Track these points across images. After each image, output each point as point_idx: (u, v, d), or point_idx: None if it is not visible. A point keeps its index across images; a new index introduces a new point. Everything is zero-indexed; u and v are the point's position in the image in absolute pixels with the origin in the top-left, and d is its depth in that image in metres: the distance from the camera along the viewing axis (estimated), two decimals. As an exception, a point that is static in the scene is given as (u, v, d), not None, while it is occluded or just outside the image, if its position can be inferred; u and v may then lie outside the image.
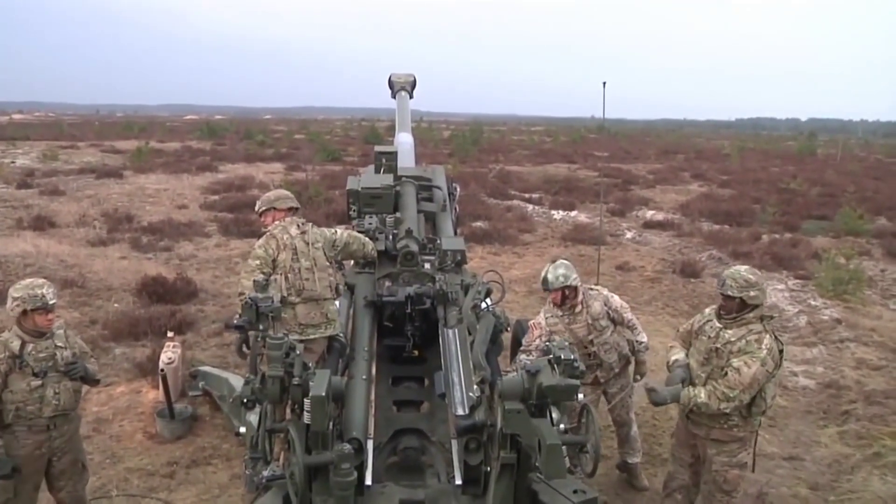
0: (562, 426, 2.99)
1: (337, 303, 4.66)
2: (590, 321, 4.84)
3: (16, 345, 3.79)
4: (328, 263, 4.67)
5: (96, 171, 22.92)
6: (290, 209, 4.87)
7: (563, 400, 2.94)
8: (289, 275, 4.56)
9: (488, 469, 3.18)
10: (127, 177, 21.97)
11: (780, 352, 3.91)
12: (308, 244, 4.65)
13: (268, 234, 4.73)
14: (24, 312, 3.79)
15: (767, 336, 3.87)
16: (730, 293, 3.87)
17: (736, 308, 3.90)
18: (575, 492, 3.06)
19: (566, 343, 3.05)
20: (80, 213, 15.16)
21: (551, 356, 2.94)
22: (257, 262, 4.62)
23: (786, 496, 5.12)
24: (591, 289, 5.05)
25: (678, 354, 4.19)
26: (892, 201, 20.66)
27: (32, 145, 33.49)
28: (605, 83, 7.84)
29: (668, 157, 38.97)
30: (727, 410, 3.85)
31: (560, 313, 4.88)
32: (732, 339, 3.88)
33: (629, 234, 15.26)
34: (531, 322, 5.10)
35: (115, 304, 8.93)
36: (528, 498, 3.08)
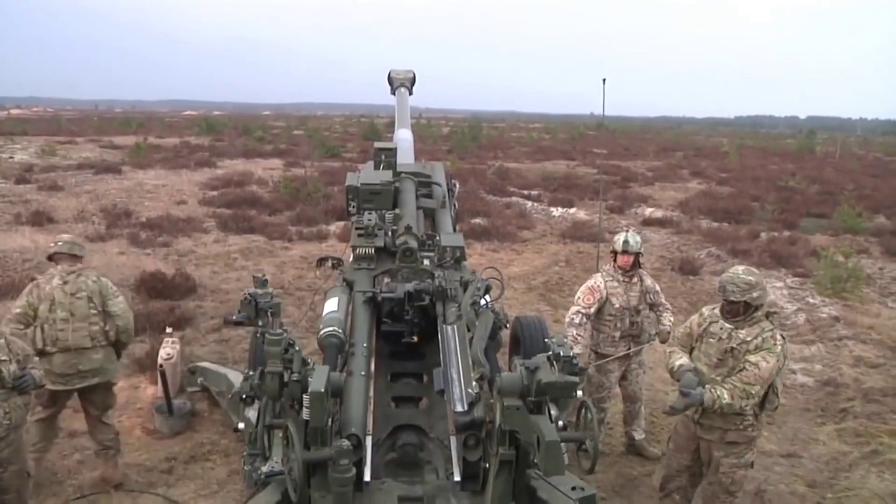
0: (560, 423, 2.99)
1: (101, 353, 4.79)
2: (643, 291, 5.34)
3: None
4: (93, 312, 4.73)
5: (95, 166, 22.90)
6: (57, 255, 4.83)
7: (561, 397, 2.94)
8: (45, 325, 4.59)
9: (487, 465, 3.18)
10: (125, 172, 21.94)
11: (785, 346, 3.93)
12: (67, 294, 4.66)
13: (34, 283, 4.77)
14: None
15: (778, 333, 3.89)
16: (733, 298, 3.85)
17: (742, 311, 3.89)
18: (573, 488, 3.06)
19: (565, 340, 3.05)
20: (79, 209, 15.14)
21: (550, 353, 2.94)
22: (18, 310, 4.64)
23: (784, 493, 5.13)
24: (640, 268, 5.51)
25: (681, 359, 4.09)
26: (890, 199, 20.68)
27: (31, 140, 33.42)
28: (604, 80, 7.82)
29: (666, 154, 38.97)
30: (748, 407, 3.83)
31: (621, 278, 5.31)
32: (748, 339, 3.86)
33: (628, 232, 15.26)
34: (587, 285, 5.39)
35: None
36: (527, 494, 3.08)
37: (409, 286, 4.14)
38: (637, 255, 5.30)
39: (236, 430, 4.23)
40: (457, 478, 3.32)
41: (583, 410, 3.09)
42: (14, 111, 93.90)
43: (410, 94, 7.85)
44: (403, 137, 7.01)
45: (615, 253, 5.34)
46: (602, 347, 5.37)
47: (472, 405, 3.25)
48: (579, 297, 5.32)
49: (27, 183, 18.78)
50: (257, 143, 35.19)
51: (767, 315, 3.97)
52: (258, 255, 11.88)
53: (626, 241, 5.27)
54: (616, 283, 5.29)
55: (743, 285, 3.83)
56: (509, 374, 2.97)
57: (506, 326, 4.30)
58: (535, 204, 18.55)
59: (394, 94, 7.84)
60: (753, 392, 3.77)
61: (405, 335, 4.18)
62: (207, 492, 4.90)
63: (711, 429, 4.03)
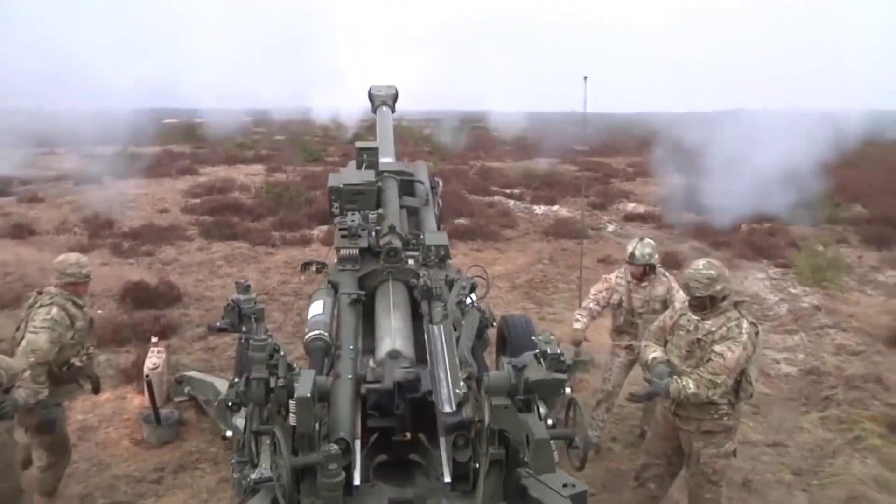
0: (549, 420, 3.01)
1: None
2: (648, 298, 5.36)
3: None
4: (17, 337, 4.38)
5: (75, 176, 22.64)
6: None
7: (549, 395, 2.95)
8: None
9: (477, 465, 3.19)
10: (106, 182, 21.72)
11: (756, 334, 3.99)
12: None
13: None
14: None
15: (745, 321, 3.95)
16: (698, 294, 3.94)
17: (709, 304, 3.96)
18: (564, 485, 3.09)
19: (552, 337, 3.06)
20: (60, 220, 14.97)
21: (537, 351, 2.96)
22: None
23: (770, 482, 5.20)
24: (664, 275, 5.51)
25: (655, 352, 4.19)
26: (867, 189, 20.90)
27: (9, 152, 32.97)
28: (586, 77, 7.87)
29: (647, 150, 39.09)
30: (715, 397, 3.88)
31: (629, 279, 5.39)
32: (713, 329, 3.93)
33: (611, 227, 15.35)
34: (603, 276, 5.68)
35: (98, 311, 8.84)
36: (518, 493, 3.09)
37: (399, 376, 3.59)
38: (647, 265, 5.31)
39: (224, 437, 4.22)
40: (447, 479, 3.32)
41: (571, 407, 3.11)
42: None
43: (393, 111, 7.40)
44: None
45: None
46: (611, 336, 5.67)
47: (460, 405, 3.26)
48: (592, 289, 5.64)
49: (6, 195, 18.55)
50: (238, 150, 34.95)
51: (736, 304, 4.04)
52: (242, 261, 11.81)
53: (631, 254, 5.32)
54: (623, 282, 5.46)
55: (705, 280, 3.91)
56: (497, 373, 2.98)
57: (492, 325, 4.32)
58: (518, 202, 18.58)
59: (374, 112, 7.41)
60: (719, 381, 3.84)
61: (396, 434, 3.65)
62: (197, 501, 4.88)
63: (688, 419, 4.09)
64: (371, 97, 7.42)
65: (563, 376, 2.89)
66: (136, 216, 15.75)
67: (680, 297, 5.22)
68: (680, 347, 4.08)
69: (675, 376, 3.96)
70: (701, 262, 4.06)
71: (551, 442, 2.77)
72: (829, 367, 7.29)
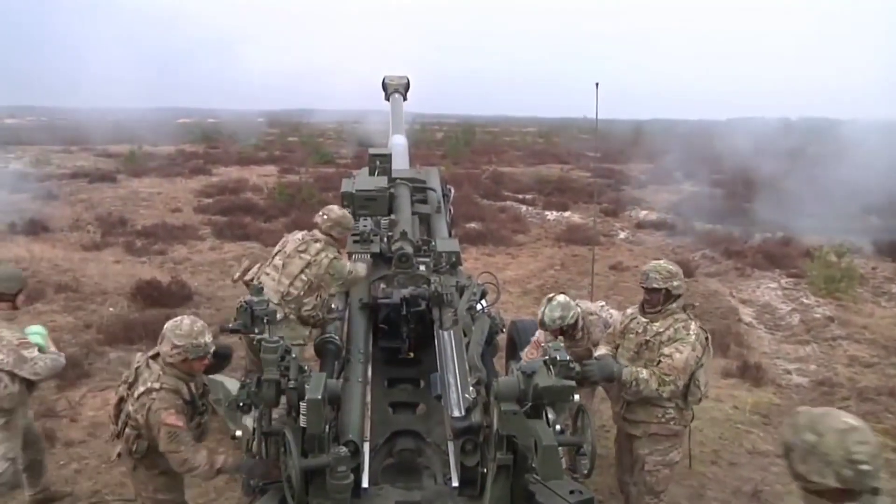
0: (558, 427, 3.01)
1: None
2: (591, 346, 4.78)
3: (185, 390, 3.69)
4: None
5: (90, 175, 22.82)
6: None
7: (558, 401, 2.96)
8: None
9: (485, 470, 3.19)
10: (120, 181, 21.87)
11: (707, 339, 4.05)
12: None
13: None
14: (185, 360, 3.66)
15: (693, 323, 4.04)
16: (655, 285, 4.02)
17: (662, 300, 4.05)
18: (571, 492, 3.08)
19: (561, 345, 3.07)
20: (74, 218, 15.11)
21: (547, 357, 2.96)
22: None
23: (781, 493, 5.16)
24: (591, 314, 4.89)
25: (602, 351, 4.27)
26: (881, 199, 20.71)
27: (25, 150, 33.29)
28: (597, 84, 7.85)
29: (659, 156, 38.97)
30: (665, 394, 3.91)
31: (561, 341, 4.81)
32: (661, 330, 4.01)
33: (622, 234, 15.31)
34: (533, 339, 5.17)
35: (110, 308, 8.91)
36: (525, 499, 3.09)
37: (406, 291, 4.16)
38: (562, 328, 4.65)
39: (234, 437, 4.24)
40: (455, 483, 3.33)
41: (580, 414, 3.11)
42: (8, 120, 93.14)
43: (405, 99, 7.91)
44: (398, 143, 7.04)
45: None
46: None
47: (469, 410, 3.27)
48: (524, 352, 5.09)
49: (22, 192, 18.71)
50: (252, 151, 35.12)
51: (685, 308, 4.14)
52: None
53: (541, 321, 4.63)
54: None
55: (665, 273, 4.03)
56: (506, 378, 2.99)
57: (502, 331, 4.32)
58: (530, 208, 18.57)
59: (388, 99, 7.88)
60: (669, 380, 3.87)
61: (401, 352, 4.17)
62: (205, 500, 4.91)
63: (636, 423, 4.13)
64: (385, 86, 7.92)
65: (572, 383, 2.90)
66: (148, 215, 15.87)
67: (616, 318, 4.69)
68: (629, 350, 4.14)
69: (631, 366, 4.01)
70: (662, 260, 4.22)
71: (559, 448, 2.76)
72: (841, 379, 7.23)
